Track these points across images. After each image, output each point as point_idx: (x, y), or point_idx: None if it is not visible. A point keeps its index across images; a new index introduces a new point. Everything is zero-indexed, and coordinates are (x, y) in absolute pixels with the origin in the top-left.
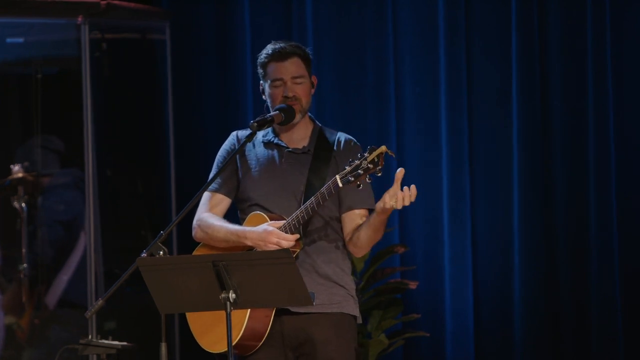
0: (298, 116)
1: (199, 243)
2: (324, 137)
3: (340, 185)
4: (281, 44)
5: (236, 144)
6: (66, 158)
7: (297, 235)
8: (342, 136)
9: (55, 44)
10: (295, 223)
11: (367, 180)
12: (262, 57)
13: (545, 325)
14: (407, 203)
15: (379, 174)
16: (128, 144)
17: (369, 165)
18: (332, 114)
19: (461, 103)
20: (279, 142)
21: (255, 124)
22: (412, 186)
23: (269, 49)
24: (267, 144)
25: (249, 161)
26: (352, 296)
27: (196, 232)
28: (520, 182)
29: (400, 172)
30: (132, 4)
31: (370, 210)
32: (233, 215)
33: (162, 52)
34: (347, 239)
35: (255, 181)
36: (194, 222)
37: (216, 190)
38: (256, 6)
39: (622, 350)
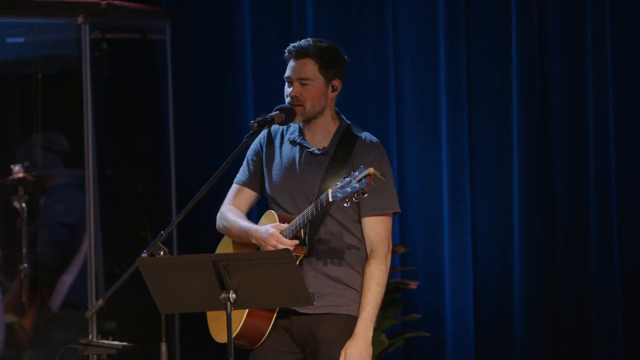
0: (299, 118)
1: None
2: (348, 137)
3: (331, 200)
4: (302, 43)
5: (265, 138)
6: (66, 158)
7: (296, 241)
8: (365, 137)
9: (55, 44)
10: (294, 229)
11: (354, 200)
12: (285, 51)
13: (545, 325)
14: None
15: (365, 195)
16: (128, 144)
17: (356, 184)
18: None
19: (461, 103)
20: (302, 141)
21: (256, 124)
22: None
23: (291, 44)
24: (292, 143)
25: (273, 158)
26: None
27: (218, 225)
28: (520, 182)
29: None
30: (132, 4)
31: (384, 214)
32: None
33: (162, 52)
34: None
35: (274, 179)
36: (218, 213)
37: (242, 184)
38: (256, 6)
39: (622, 350)
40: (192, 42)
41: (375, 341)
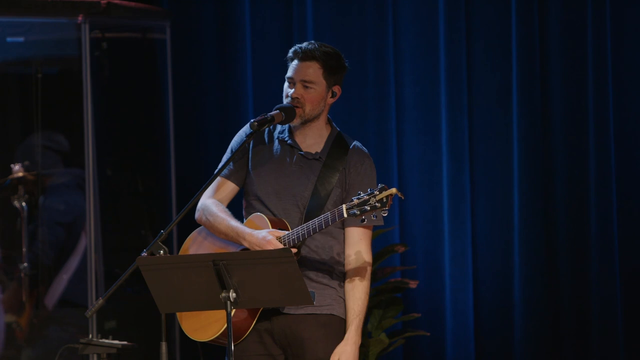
0: (298, 120)
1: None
2: (340, 144)
3: (345, 215)
4: (309, 45)
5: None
6: (66, 158)
7: (295, 249)
8: (356, 147)
9: (55, 43)
10: (295, 238)
11: (373, 218)
12: (289, 51)
13: (545, 325)
14: None
15: (385, 214)
16: (128, 144)
17: (377, 204)
18: (331, 114)
19: (461, 102)
20: (293, 143)
21: (256, 123)
22: None
23: (297, 45)
24: (282, 142)
25: (261, 155)
26: (343, 298)
27: (199, 216)
28: (520, 182)
29: None
30: (132, 4)
31: (369, 227)
32: (237, 204)
33: (162, 52)
34: (345, 256)
35: (261, 177)
36: (199, 204)
37: (225, 177)
38: (256, 6)
39: (622, 350)
40: (192, 42)
41: (375, 340)
